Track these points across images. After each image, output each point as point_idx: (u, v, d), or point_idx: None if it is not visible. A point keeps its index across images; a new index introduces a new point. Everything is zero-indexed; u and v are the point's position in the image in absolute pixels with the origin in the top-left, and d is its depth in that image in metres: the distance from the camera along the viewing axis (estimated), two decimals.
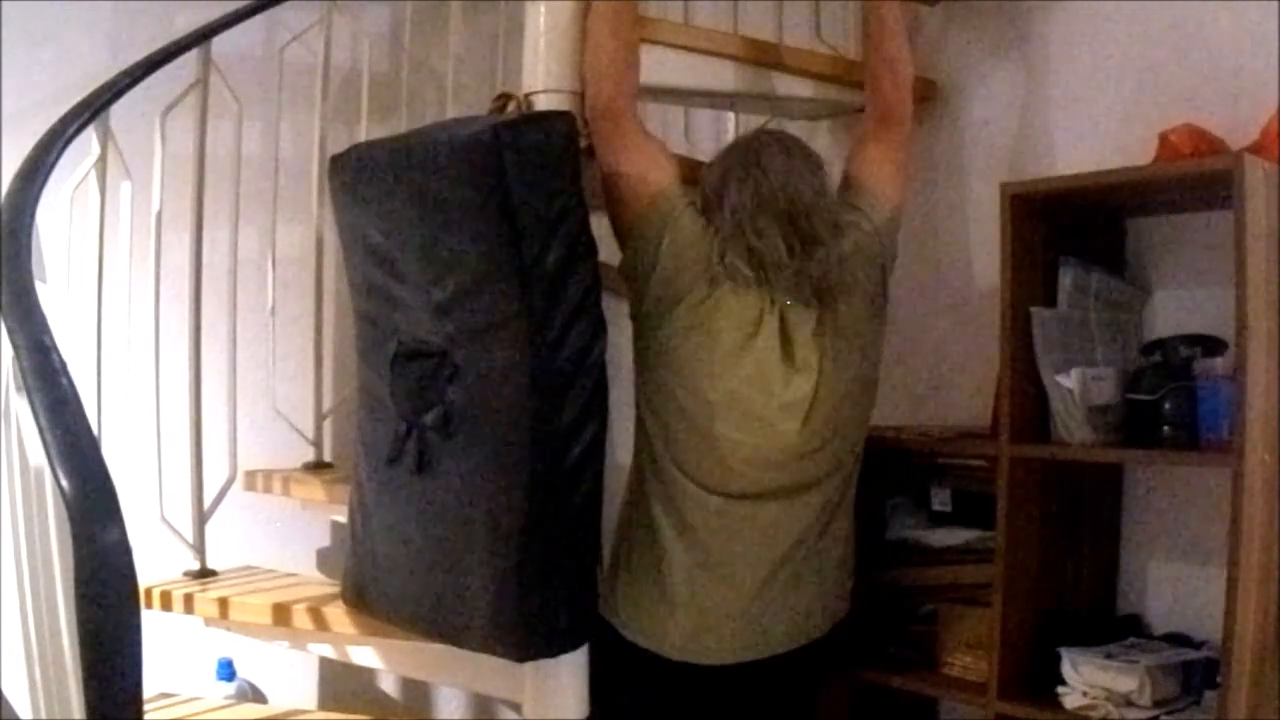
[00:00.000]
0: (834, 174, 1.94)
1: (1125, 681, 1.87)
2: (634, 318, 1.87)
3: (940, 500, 2.23)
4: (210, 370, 2.38)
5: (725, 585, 1.84)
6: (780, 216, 1.78)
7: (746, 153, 1.85)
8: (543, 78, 1.87)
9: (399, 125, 2.63)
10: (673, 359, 1.80)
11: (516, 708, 2.10)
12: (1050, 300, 2.06)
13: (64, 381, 1.31)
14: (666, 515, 1.83)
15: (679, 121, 2.69)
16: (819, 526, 1.89)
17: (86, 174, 2.17)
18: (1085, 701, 1.90)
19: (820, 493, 1.87)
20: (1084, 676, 1.92)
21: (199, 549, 2.37)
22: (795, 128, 2.36)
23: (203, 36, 2.31)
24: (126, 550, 1.16)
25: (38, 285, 1.51)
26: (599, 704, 1.90)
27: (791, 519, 1.85)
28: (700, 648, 1.86)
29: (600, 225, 1.83)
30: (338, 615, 2.13)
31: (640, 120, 1.90)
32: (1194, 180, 1.92)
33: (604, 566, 1.89)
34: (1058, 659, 1.96)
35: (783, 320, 1.80)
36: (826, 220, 1.80)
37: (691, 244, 1.81)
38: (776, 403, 1.79)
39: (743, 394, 1.78)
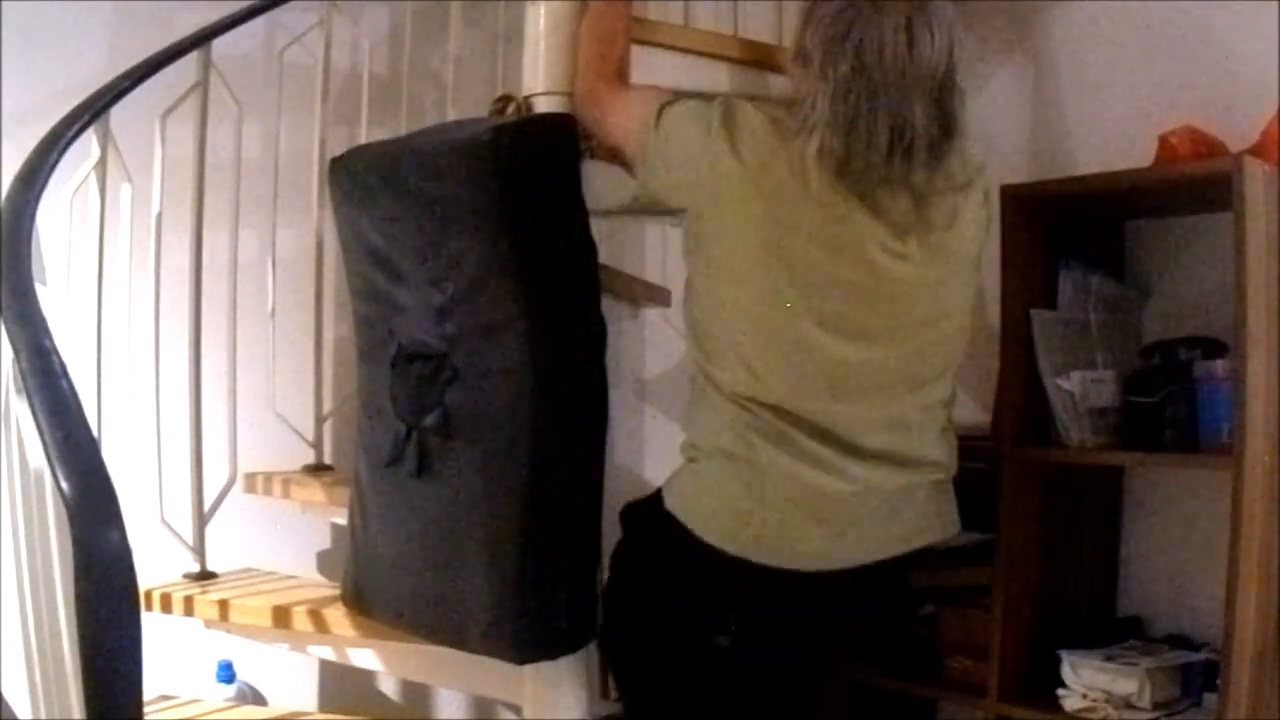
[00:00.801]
0: None
1: (1125, 683, 1.87)
2: (685, 246, 1.74)
3: None
4: (210, 372, 2.38)
5: (826, 482, 1.64)
6: (887, 126, 1.57)
7: (865, 22, 1.58)
8: (543, 80, 1.87)
9: (399, 127, 2.63)
10: (719, 259, 1.66)
11: (516, 710, 2.10)
12: (1050, 302, 2.06)
13: (64, 384, 1.31)
14: (752, 430, 1.64)
15: None
16: (937, 421, 1.72)
17: (87, 176, 2.17)
18: (1085, 704, 1.90)
19: (931, 392, 1.71)
20: (1084, 678, 1.92)
21: (199, 551, 2.37)
22: None
23: (203, 39, 2.31)
24: (126, 552, 1.16)
25: (38, 287, 1.51)
26: (650, 616, 1.78)
27: (892, 422, 1.68)
28: (798, 550, 1.67)
29: (601, 227, 1.82)
30: (338, 617, 2.13)
31: (622, 84, 1.82)
32: (1194, 182, 1.92)
33: (604, 570, 1.89)
34: (1057, 661, 1.96)
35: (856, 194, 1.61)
36: (936, 127, 1.60)
37: (695, 140, 1.68)
38: (844, 268, 1.62)
39: (812, 255, 1.61)
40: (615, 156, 1.83)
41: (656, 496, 1.76)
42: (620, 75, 1.84)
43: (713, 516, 1.68)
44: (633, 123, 1.76)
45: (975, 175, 1.72)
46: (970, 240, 1.73)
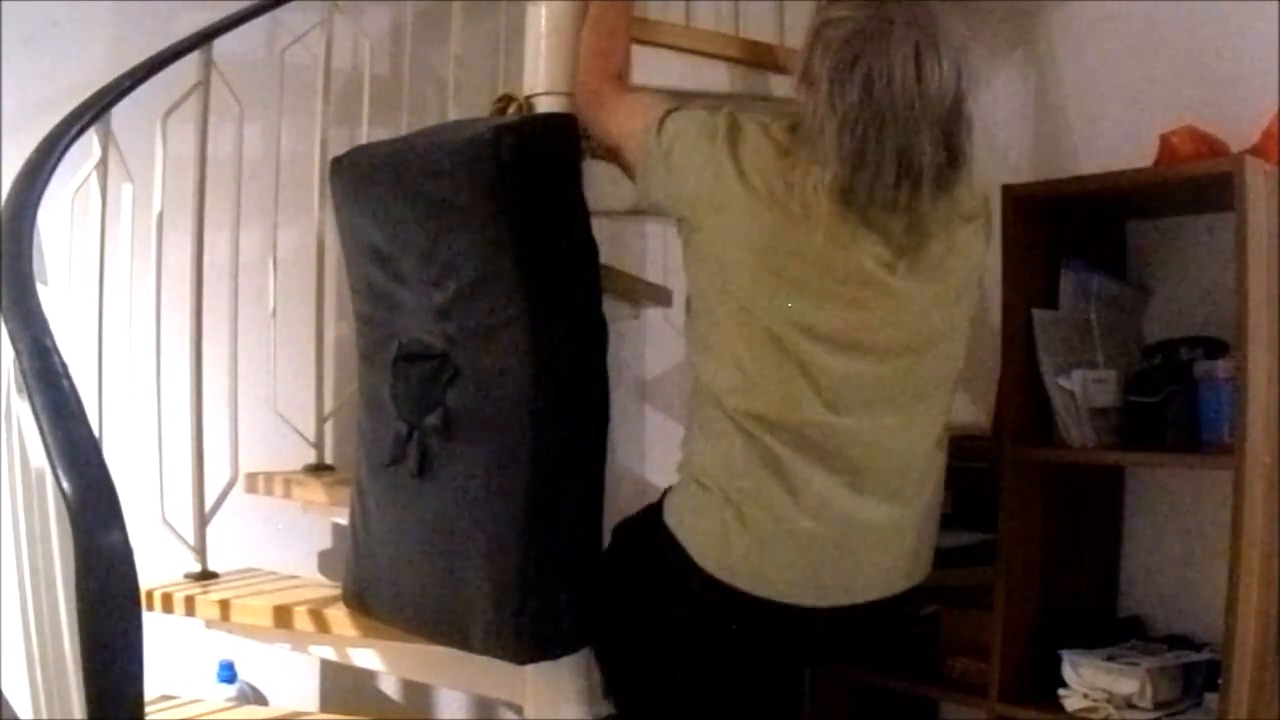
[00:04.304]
0: None
1: (1126, 683, 1.87)
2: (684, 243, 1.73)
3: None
4: (211, 372, 2.38)
5: (815, 517, 1.64)
6: (895, 158, 1.55)
7: (874, 50, 1.55)
8: (544, 79, 1.87)
9: (400, 127, 2.63)
10: (717, 271, 1.66)
11: (518, 709, 2.10)
12: (1052, 302, 2.06)
13: (65, 383, 1.31)
14: (743, 455, 1.64)
15: None
16: (919, 457, 1.70)
17: (88, 176, 2.17)
18: (1086, 704, 1.90)
19: (930, 407, 1.69)
20: (1085, 678, 1.92)
21: (200, 551, 2.37)
22: None
23: (204, 38, 2.31)
24: (127, 552, 1.16)
25: (39, 287, 1.51)
26: (640, 626, 1.77)
27: (889, 440, 1.66)
28: (782, 583, 1.66)
29: (601, 227, 1.82)
30: (339, 617, 2.13)
31: (624, 86, 1.82)
32: (1195, 182, 1.92)
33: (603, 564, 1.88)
34: (1059, 661, 1.96)
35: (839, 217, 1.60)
36: (943, 155, 1.57)
37: (698, 149, 1.67)
38: (841, 282, 1.61)
39: (810, 276, 1.61)
40: (615, 156, 1.83)
41: (652, 512, 1.76)
42: (622, 76, 1.84)
43: (703, 537, 1.68)
44: (634, 126, 1.75)
45: (980, 210, 1.70)
46: (971, 267, 1.71)
